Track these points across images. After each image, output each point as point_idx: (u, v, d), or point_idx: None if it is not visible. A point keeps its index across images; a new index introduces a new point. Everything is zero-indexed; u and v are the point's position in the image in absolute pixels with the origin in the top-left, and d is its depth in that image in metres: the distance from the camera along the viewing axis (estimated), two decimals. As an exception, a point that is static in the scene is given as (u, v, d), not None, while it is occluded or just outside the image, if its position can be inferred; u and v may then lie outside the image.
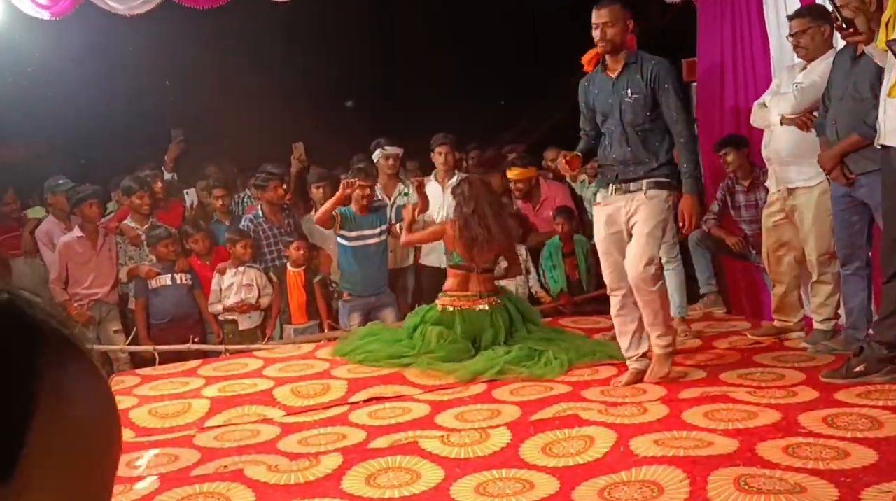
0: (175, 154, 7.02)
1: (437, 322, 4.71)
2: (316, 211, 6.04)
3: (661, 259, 5.16)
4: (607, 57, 4.00)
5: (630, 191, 3.91)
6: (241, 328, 5.84)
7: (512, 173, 6.25)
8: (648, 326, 3.94)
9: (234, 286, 5.86)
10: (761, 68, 5.48)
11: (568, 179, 6.76)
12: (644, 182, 3.88)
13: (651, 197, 3.86)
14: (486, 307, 4.72)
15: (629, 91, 3.91)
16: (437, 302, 4.84)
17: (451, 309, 4.71)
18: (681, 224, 3.96)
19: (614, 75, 3.98)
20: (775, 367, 4.19)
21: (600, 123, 4.05)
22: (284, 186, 6.29)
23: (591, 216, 6.62)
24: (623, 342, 4.07)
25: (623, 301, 4.00)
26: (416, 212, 5.38)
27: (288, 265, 5.93)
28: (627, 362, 4.05)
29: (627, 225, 3.93)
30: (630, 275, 3.85)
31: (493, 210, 4.75)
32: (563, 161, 4.05)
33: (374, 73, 8.18)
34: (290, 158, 6.77)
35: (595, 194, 6.65)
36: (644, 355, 4.04)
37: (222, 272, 5.91)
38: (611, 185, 3.98)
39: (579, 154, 4.11)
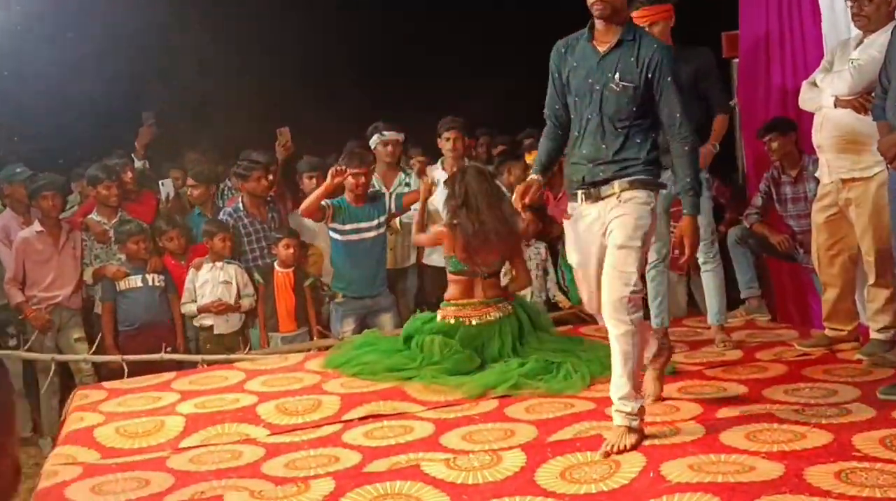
0: (146, 139, 7.04)
1: (438, 332, 4.70)
2: None
3: (660, 270, 5.03)
4: (598, 24, 3.56)
5: (602, 198, 3.54)
6: (216, 332, 5.86)
7: (531, 157, 6.25)
8: (613, 381, 3.52)
9: (209, 283, 5.87)
10: (812, 42, 5.46)
11: None
12: (616, 183, 3.51)
13: (626, 199, 3.49)
14: (498, 315, 4.70)
15: (617, 76, 3.50)
16: (437, 313, 4.83)
17: (454, 320, 4.69)
18: (676, 252, 3.64)
19: (603, 50, 3.55)
20: (826, 382, 4.18)
21: (572, 105, 3.64)
22: (270, 177, 6.30)
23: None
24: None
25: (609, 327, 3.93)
26: (422, 197, 5.41)
27: (275, 265, 5.94)
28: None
29: (602, 242, 3.58)
30: (603, 299, 3.50)
31: (488, 201, 4.67)
32: (522, 193, 3.59)
33: (373, 48, 8.18)
34: (275, 145, 6.78)
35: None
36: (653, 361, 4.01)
37: (198, 267, 5.92)
38: (579, 192, 3.60)
39: (542, 181, 3.69)
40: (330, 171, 5.55)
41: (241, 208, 6.15)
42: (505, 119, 7.34)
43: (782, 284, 5.97)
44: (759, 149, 5.73)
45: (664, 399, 4.06)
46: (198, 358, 5.44)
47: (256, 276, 5.96)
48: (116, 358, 5.46)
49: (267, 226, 6.15)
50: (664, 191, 4.93)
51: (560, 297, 6.09)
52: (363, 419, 4.10)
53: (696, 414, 3.83)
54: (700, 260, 5.05)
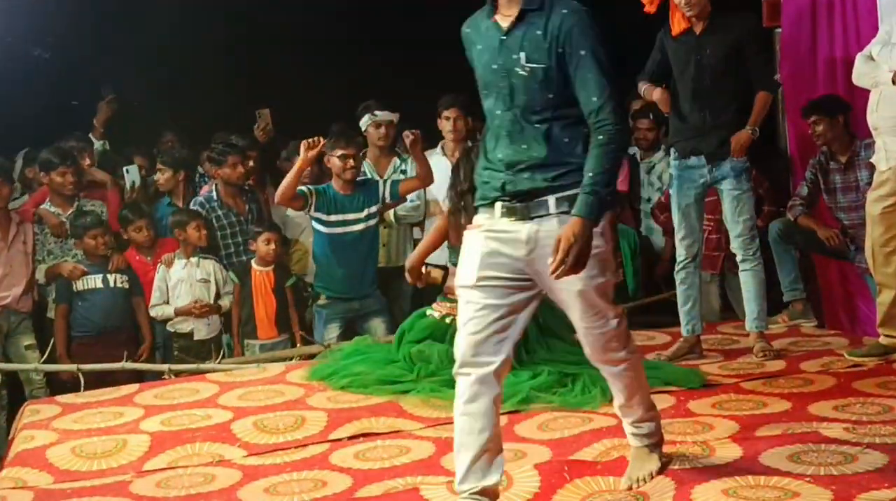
0: (105, 116, 7.02)
1: (426, 335, 4.69)
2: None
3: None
4: None
5: (530, 218, 3.11)
6: (196, 338, 5.87)
7: None
8: (619, 407, 3.41)
9: (185, 281, 5.87)
10: (865, 9, 5.45)
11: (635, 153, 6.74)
12: (552, 201, 3.11)
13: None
14: None
15: (523, 56, 3.14)
16: (433, 306, 4.83)
17: (449, 319, 4.67)
18: (549, 261, 3.01)
19: (506, 25, 3.18)
20: (881, 397, 4.17)
21: (482, 98, 3.30)
22: (251, 163, 6.29)
23: (648, 201, 6.65)
24: (460, 462, 3.13)
25: (474, 389, 3.13)
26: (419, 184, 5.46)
27: (253, 262, 5.93)
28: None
29: (526, 272, 3.15)
30: (587, 351, 3.26)
31: None
32: None
33: (364, 18, 8.16)
34: (254, 128, 6.78)
35: (653, 169, 6.71)
36: (487, 492, 3.12)
37: (169, 264, 5.92)
38: (497, 205, 3.17)
39: None
40: (302, 144, 5.48)
41: (215, 198, 6.15)
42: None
43: (831, 285, 5.96)
44: (805, 131, 5.72)
45: (695, 415, 4.06)
46: (164, 367, 5.43)
47: (231, 275, 5.96)
48: (71, 367, 5.44)
49: (244, 219, 6.15)
50: (700, 180, 4.96)
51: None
52: (353, 438, 4.09)
53: (733, 432, 3.82)
54: (738, 258, 5.05)
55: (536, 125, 3.14)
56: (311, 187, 5.67)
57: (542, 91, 3.13)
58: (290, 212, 6.03)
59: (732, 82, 4.89)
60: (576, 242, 2.98)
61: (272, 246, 5.84)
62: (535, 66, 3.11)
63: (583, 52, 3.08)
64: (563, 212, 3.08)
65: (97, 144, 6.91)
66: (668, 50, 4.99)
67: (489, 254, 3.14)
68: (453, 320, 4.64)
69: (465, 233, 3.27)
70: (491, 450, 3.12)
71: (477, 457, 3.10)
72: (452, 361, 4.60)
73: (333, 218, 5.68)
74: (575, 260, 2.98)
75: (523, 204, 3.12)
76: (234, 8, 7.79)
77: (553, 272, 2.99)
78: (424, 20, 7.85)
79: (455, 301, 4.69)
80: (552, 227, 3.07)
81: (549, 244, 3.04)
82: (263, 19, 7.95)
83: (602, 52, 3.11)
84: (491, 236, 3.15)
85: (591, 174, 3.04)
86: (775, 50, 6.22)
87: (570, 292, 3.10)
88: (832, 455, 3.45)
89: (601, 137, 3.06)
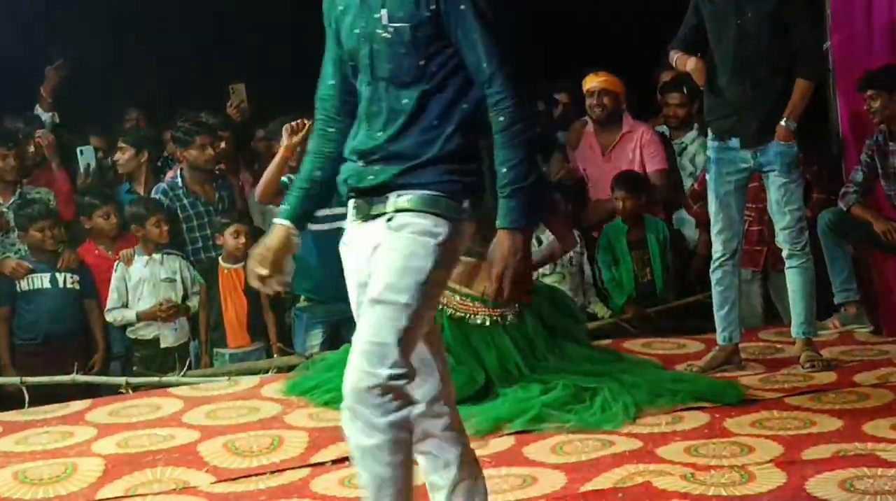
0: (53, 83, 6.99)
1: None
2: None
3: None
4: None
5: (371, 217, 2.93)
6: (163, 345, 5.88)
7: (596, 79, 6.38)
8: None
9: (147, 281, 5.87)
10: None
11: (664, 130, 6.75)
12: (392, 197, 2.88)
13: (398, 226, 2.85)
14: (485, 322, 4.72)
15: (384, 14, 2.90)
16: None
17: (441, 308, 4.65)
18: (484, 288, 2.93)
19: None
20: (947, 414, 4.17)
21: (350, 77, 3.06)
22: (222, 144, 6.27)
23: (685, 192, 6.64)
24: None
25: (419, 428, 2.97)
26: None
27: (220, 259, 5.93)
28: None
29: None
30: (344, 384, 2.82)
31: None
32: None
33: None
34: (227, 105, 6.77)
35: (685, 151, 6.70)
36: None
37: (128, 261, 5.90)
38: (350, 203, 3.01)
39: None
40: (284, 129, 5.46)
41: (181, 184, 6.13)
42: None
43: (889, 285, 5.95)
44: (860, 107, 5.70)
45: (733, 435, 4.04)
46: (121, 380, 5.42)
47: (195, 274, 5.94)
48: (14, 380, 5.43)
49: (213, 209, 6.13)
50: (742, 165, 4.91)
51: (598, 305, 6.06)
52: (338, 462, 4.06)
53: (776, 455, 3.82)
54: (784, 253, 5.01)
55: (404, 101, 2.91)
56: (291, 177, 5.64)
57: (409, 57, 2.89)
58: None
59: (777, 51, 4.83)
60: (507, 265, 2.82)
61: (242, 239, 5.81)
62: (399, 25, 2.88)
63: (462, 7, 2.85)
64: (401, 211, 2.85)
65: (45, 117, 6.89)
66: (704, 13, 4.95)
67: (351, 272, 2.99)
68: (442, 310, 4.64)
69: (340, 248, 3.06)
70: (465, 479, 3.02)
71: (450, 493, 3.02)
72: (450, 370, 4.60)
73: (320, 213, 5.64)
74: (512, 281, 2.82)
75: (366, 201, 2.93)
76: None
77: (492, 295, 2.85)
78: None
79: (448, 289, 4.70)
80: (380, 232, 2.87)
81: (379, 253, 2.85)
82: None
83: (486, 6, 2.88)
84: (346, 248, 3.01)
85: (505, 170, 2.84)
86: (825, 14, 6.19)
87: (366, 301, 2.83)
88: (890, 482, 3.44)
89: (501, 119, 2.86)
